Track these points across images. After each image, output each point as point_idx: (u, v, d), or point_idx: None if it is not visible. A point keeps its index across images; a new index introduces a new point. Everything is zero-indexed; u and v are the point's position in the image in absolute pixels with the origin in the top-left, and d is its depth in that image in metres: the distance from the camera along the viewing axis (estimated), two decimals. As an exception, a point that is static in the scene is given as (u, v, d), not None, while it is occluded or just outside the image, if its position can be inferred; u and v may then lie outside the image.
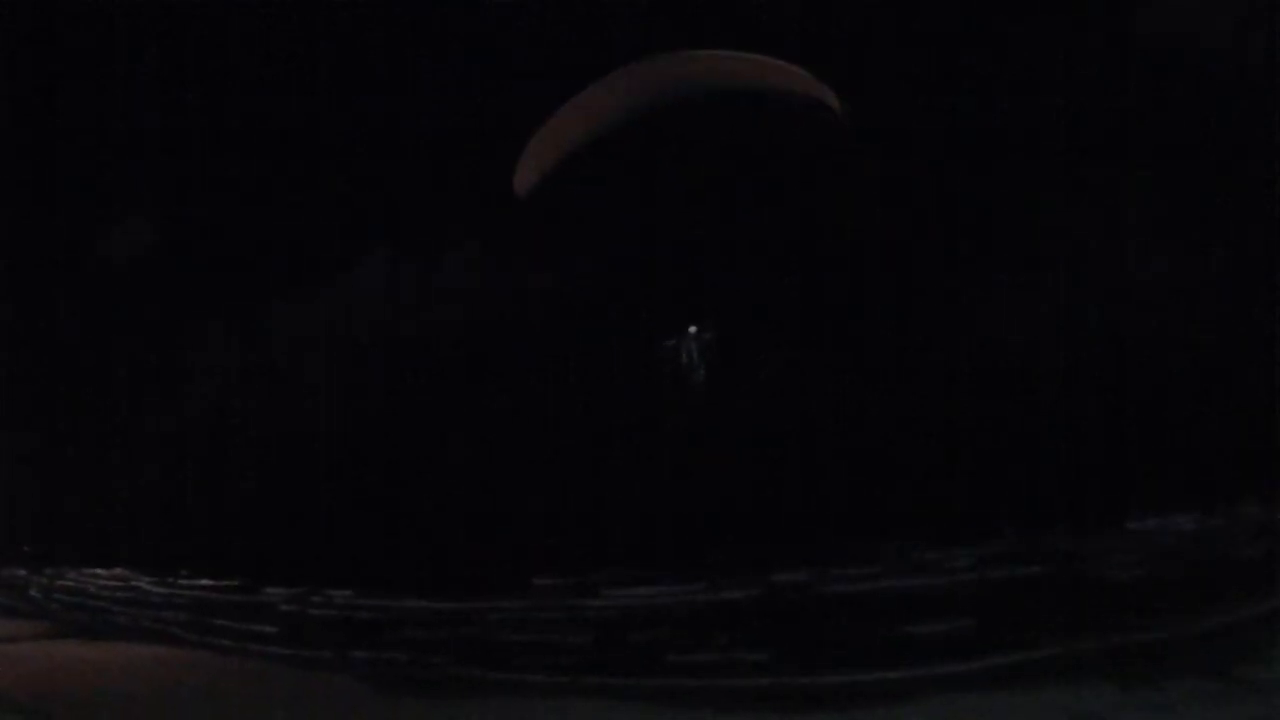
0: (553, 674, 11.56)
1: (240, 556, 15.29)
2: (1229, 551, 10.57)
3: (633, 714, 10.09)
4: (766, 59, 7.94)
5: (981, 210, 12.29)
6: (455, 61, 14.04)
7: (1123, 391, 11.78)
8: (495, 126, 12.47)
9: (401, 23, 14.35)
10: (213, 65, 15.80)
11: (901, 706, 9.28)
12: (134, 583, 16.42)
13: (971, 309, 12.37)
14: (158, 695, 11.98)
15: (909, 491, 11.93)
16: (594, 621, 12.26)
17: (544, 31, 13.46)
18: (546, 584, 12.85)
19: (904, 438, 12.27)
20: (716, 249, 10.58)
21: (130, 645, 14.70)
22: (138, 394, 17.02)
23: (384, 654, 12.97)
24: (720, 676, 10.54)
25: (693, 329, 9.40)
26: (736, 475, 12.47)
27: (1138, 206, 12.18)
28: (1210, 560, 10.60)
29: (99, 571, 16.96)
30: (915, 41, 12.17)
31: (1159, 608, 10.05)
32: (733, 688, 10.26)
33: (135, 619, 15.74)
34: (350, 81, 14.78)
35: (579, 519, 13.05)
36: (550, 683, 11.31)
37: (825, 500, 11.95)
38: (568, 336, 13.25)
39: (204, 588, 15.51)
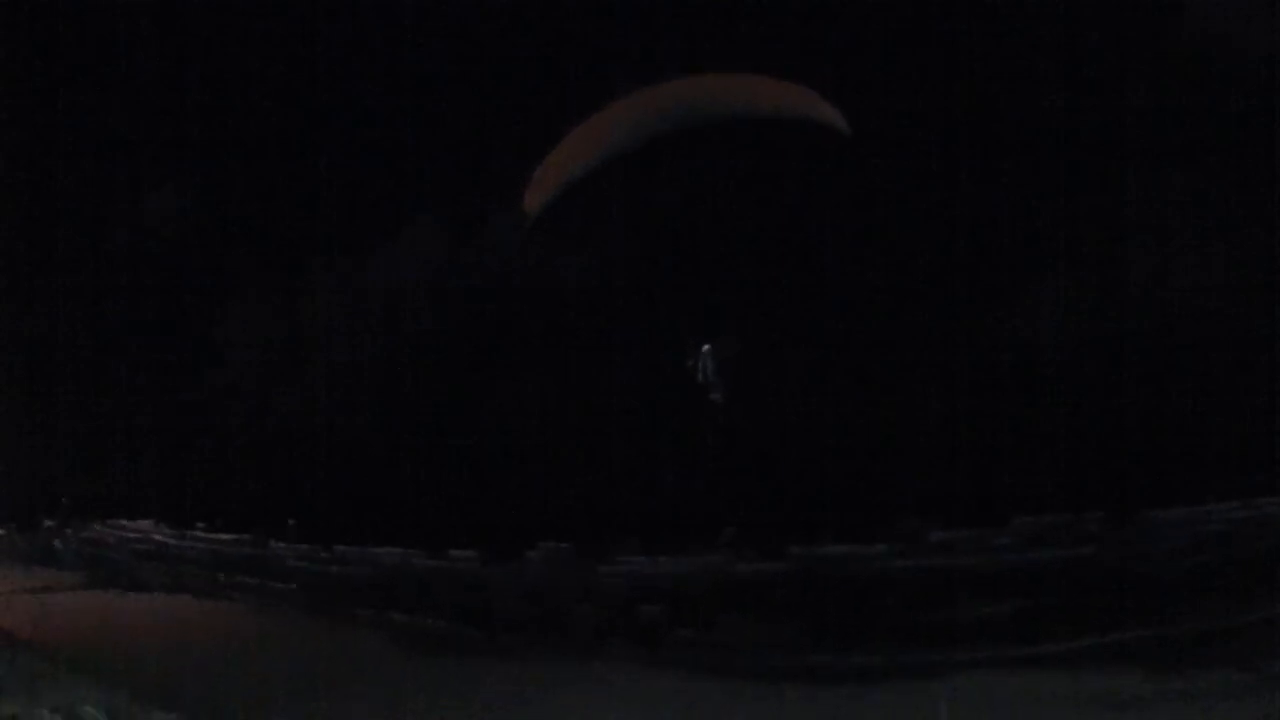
0: (571, 638, 11.62)
1: (263, 513, 15.45)
2: (1263, 545, 10.54)
3: (650, 681, 10.09)
4: (771, 80, 7.93)
5: (1006, 209, 12.33)
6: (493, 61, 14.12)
7: (1164, 382, 11.74)
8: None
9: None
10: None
11: (929, 686, 9.25)
12: (158, 536, 16.62)
13: (1015, 305, 12.44)
14: (183, 645, 12.13)
15: (940, 475, 11.95)
16: (614, 589, 12.34)
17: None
18: (568, 550, 12.98)
19: (936, 425, 12.30)
20: (727, 264, 10.76)
21: (155, 597, 14.92)
22: (168, 354, 17.19)
23: (400, 613, 13.12)
24: (744, 651, 10.54)
25: (706, 347, 9.25)
26: (764, 458, 12.56)
27: (1169, 206, 12.12)
28: (1244, 554, 10.58)
29: (125, 523, 17.16)
30: (915, 51, 12.22)
31: (1193, 599, 10.02)
32: (756, 663, 10.25)
33: (160, 571, 15.95)
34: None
35: (603, 488, 13.13)
36: (569, 646, 11.35)
37: (861, 483, 11.99)
38: (593, 330, 13.40)
39: (226, 542, 15.70)
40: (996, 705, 8.67)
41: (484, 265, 14.64)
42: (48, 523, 18.26)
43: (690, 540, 12.37)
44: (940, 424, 12.07)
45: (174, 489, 16.81)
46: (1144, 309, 12.04)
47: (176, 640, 12.29)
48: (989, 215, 12.30)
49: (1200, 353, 11.55)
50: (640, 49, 13.06)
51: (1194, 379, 11.55)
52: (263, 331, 16.57)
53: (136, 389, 17.34)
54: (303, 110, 15.75)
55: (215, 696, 9.11)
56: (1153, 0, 12.06)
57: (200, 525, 16.25)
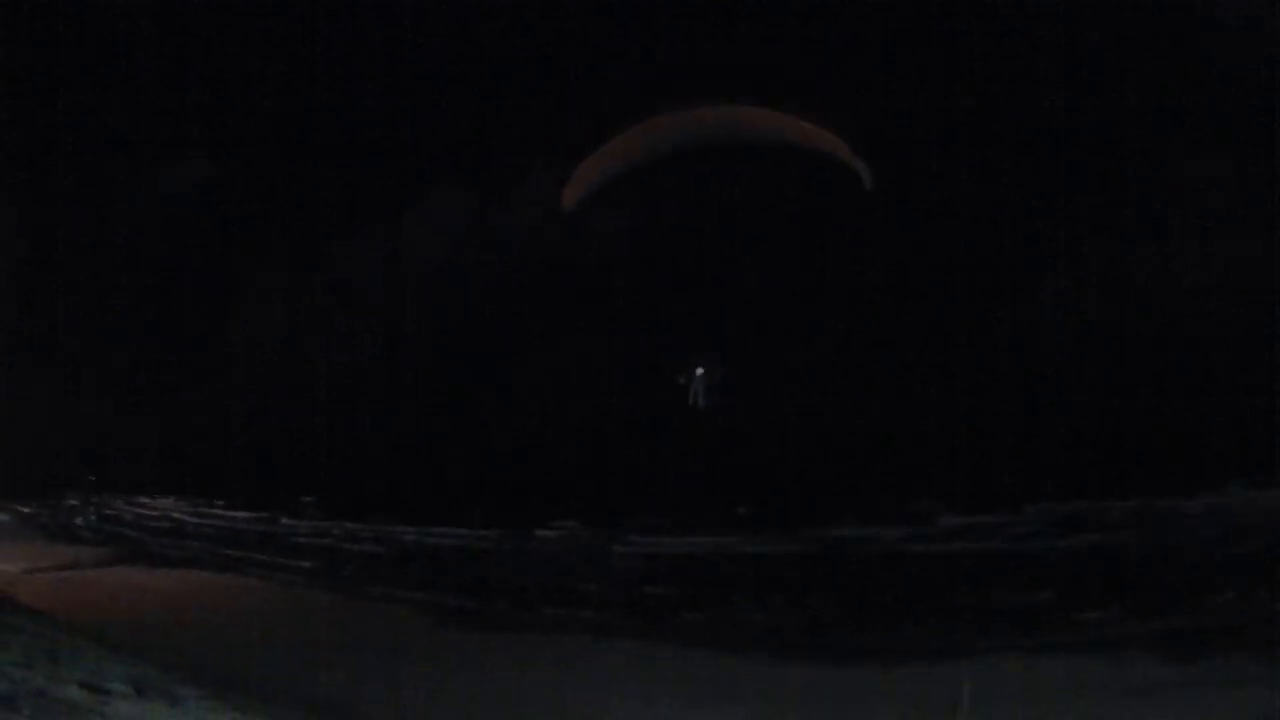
0: (593, 613, 11.68)
1: (281, 490, 15.59)
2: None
3: (662, 657, 10.15)
4: (790, 116, 8.51)
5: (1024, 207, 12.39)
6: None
7: (1178, 373, 11.72)
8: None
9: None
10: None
11: (947, 667, 9.27)
12: (179, 513, 16.77)
13: (1029, 298, 12.49)
14: (205, 620, 12.26)
15: (953, 462, 11.99)
16: (626, 567, 12.41)
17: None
18: (581, 528, 13.06)
19: (947, 415, 12.35)
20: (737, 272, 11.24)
21: (177, 572, 15.06)
22: (189, 334, 17.32)
23: (415, 589, 13.22)
24: (757, 629, 10.58)
25: (700, 370, 9.65)
26: (776, 446, 12.67)
27: (1193, 194, 12.09)
28: (1264, 543, 10.56)
29: (147, 501, 17.32)
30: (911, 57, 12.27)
31: (1211, 588, 10.01)
32: (769, 641, 10.29)
33: (182, 548, 16.11)
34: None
35: (614, 471, 13.24)
36: (591, 621, 11.40)
37: (874, 468, 12.06)
38: (613, 321, 13.59)
39: (245, 519, 15.85)
40: (1014, 688, 8.69)
41: (501, 257, 14.74)
42: (71, 500, 18.43)
43: (702, 521, 12.47)
44: (951, 415, 12.13)
45: (194, 467, 16.96)
46: (1155, 298, 12.05)
47: (198, 615, 12.44)
48: (996, 211, 12.38)
49: (1212, 345, 11.54)
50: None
51: (1211, 369, 11.54)
52: (280, 313, 16.68)
53: (157, 368, 17.47)
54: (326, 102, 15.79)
55: (238, 670, 9.21)
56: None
57: (220, 502, 16.39)
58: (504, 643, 11.00)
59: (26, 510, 18.63)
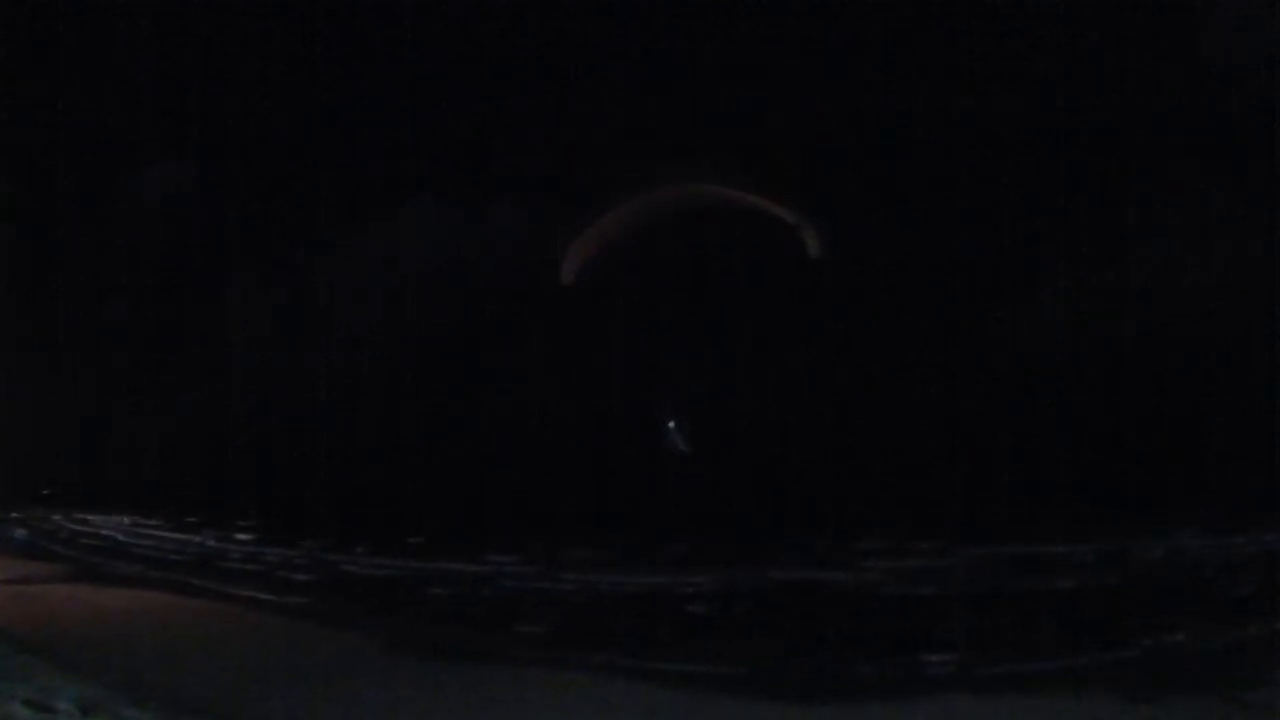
0: (543, 648, 11.62)
1: (248, 511, 15.49)
2: (1238, 571, 10.65)
3: (627, 691, 10.11)
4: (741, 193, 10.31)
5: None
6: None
7: (1142, 410, 11.92)
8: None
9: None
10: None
11: (899, 705, 9.29)
12: (137, 530, 16.60)
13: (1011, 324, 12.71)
14: (158, 640, 12.10)
15: (913, 496, 12.14)
16: (573, 599, 12.43)
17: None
18: (529, 559, 13.07)
19: (911, 445, 12.54)
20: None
21: (132, 591, 14.82)
22: (150, 348, 17.18)
23: (381, 614, 13.13)
24: (712, 663, 10.56)
25: (671, 424, 11.17)
26: (738, 478, 12.85)
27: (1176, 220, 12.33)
28: (1218, 579, 10.69)
29: (103, 517, 17.13)
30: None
31: (1167, 622, 10.10)
32: (721, 674, 10.27)
33: (138, 566, 15.91)
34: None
35: (566, 503, 13.34)
36: (541, 656, 11.35)
37: (833, 500, 12.22)
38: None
39: (205, 539, 15.71)
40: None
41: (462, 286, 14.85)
42: (23, 514, 18.17)
43: (646, 555, 12.58)
44: (899, 455, 12.36)
45: (154, 484, 16.80)
46: (1107, 338, 12.29)
47: (152, 635, 12.24)
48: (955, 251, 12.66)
49: (1170, 391, 11.77)
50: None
51: (1165, 412, 11.77)
52: (248, 327, 16.58)
53: (117, 382, 17.31)
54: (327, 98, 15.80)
55: (190, 693, 9.10)
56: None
57: (180, 521, 16.24)
58: (458, 670, 10.91)
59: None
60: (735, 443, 13.50)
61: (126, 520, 17.02)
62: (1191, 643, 9.97)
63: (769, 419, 13.30)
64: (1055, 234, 12.70)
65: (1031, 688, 9.33)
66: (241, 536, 15.62)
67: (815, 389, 13.05)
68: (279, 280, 16.24)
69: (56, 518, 17.89)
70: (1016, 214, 12.58)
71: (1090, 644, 9.95)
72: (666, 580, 12.40)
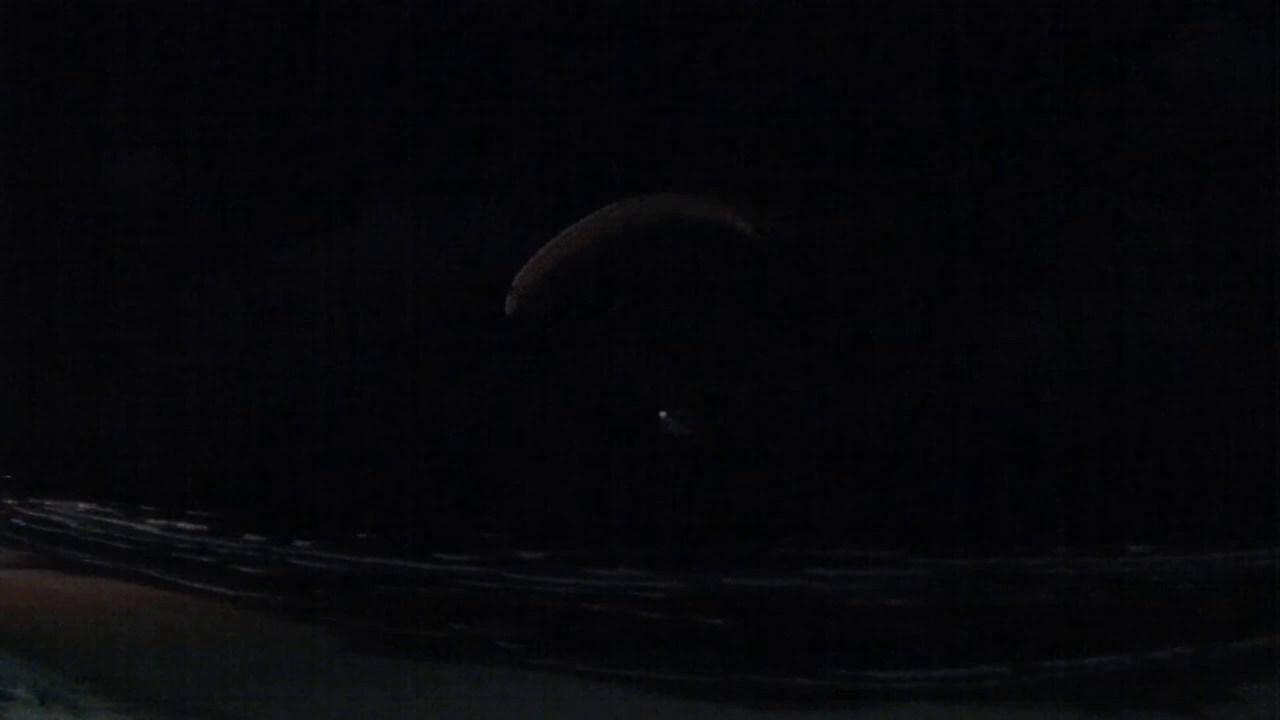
0: (517, 647, 11.64)
1: (216, 501, 15.38)
2: (1205, 587, 10.80)
3: (596, 694, 10.16)
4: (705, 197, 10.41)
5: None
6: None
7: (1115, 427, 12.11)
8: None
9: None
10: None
11: (860, 713, 9.39)
12: (103, 519, 16.42)
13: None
14: (121, 631, 12.07)
15: (884, 504, 12.26)
16: (561, 601, 12.46)
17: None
18: (528, 556, 13.09)
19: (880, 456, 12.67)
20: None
21: (96, 581, 14.71)
22: (130, 334, 17.03)
23: (352, 609, 13.13)
24: (669, 669, 10.62)
25: (663, 413, 11.36)
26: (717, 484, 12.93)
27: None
28: (1186, 595, 10.84)
29: (78, 505, 16.93)
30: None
31: (1131, 638, 10.20)
32: (679, 681, 10.33)
33: (103, 555, 15.76)
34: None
35: (557, 502, 13.36)
36: (512, 656, 11.37)
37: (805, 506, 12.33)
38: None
39: (179, 529, 15.60)
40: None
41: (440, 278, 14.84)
42: (5, 500, 17.93)
43: (609, 557, 12.65)
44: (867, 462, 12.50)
45: (123, 471, 16.64)
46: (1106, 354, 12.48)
47: (115, 626, 12.19)
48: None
49: (1143, 393, 11.94)
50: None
51: (1143, 421, 11.93)
52: (228, 313, 16.46)
53: (89, 366, 17.15)
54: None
55: (151, 684, 9.08)
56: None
57: (135, 510, 16.10)
58: (419, 668, 10.91)
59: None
60: (698, 450, 13.58)
61: (83, 507, 16.82)
62: (1190, 653, 10.03)
63: (732, 426, 13.39)
64: (1039, 237, 12.84)
65: (990, 696, 9.45)
66: (188, 526, 15.51)
67: (778, 396, 13.15)
68: (241, 275, 16.14)
69: (11, 503, 17.63)
70: (1002, 221, 12.70)
71: (1053, 656, 10.04)
72: (620, 584, 12.46)
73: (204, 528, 15.35)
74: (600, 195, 12.87)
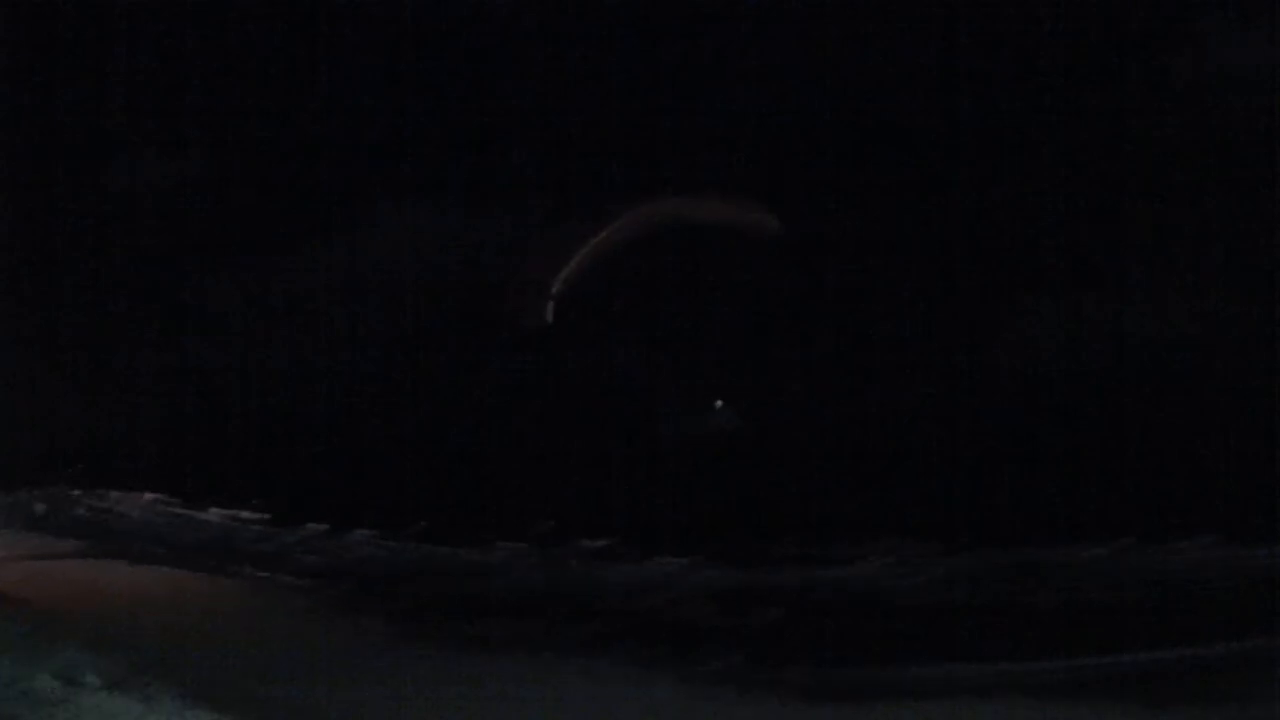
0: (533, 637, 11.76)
1: (269, 493, 15.71)
2: (1241, 582, 10.74)
3: (611, 683, 10.24)
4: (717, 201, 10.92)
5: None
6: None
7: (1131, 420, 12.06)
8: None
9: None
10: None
11: (890, 707, 9.41)
12: (163, 509, 16.82)
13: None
14: (182, 620, 12.30)
15: (909, 498, 12.31)
16: (579, 590, 12.60)
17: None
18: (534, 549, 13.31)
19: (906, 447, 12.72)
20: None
21: (157, 570, 14.99)
22: (178, 325, 17.41)
23: (395, 599, 13.32)
24: (711, 662, 10.70)
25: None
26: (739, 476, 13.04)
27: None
28: (1208, 591, 10.80)
29: (130, 495, 17.35)
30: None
31: (1156, 633, 10.18)
32: (720, 673, 10.40)
33: (164, 545, 16.12)
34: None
35: (589, 492, 13.52)
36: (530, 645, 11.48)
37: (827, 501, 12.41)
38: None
39: (230, 520, 15.93)
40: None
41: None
42: (49, 490, 18.40)
43: (654, 548, 12.75)
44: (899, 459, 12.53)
45: (182, 463, 17.02)
46: (1114, 339, 12.41)
47: (176, 615, 12.45)
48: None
49: (1169, 390, 11.88)
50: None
51: (1170, 418, 11.87)
52: (273, 309, 16.77)
53: (144, 360, 17.55)
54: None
55: (212, 672, 9.30)
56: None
57: (206, 501, 16.47)
58: (484, 660, 11.03)
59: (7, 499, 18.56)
60: (734, 445, 13.66)
61: (148, 498, 17.24)
62: (1194, 653, 10.01)
63: (765, 422, 13.46)
64: (1055, 238, 12.81)
65: (1029, 693, 9.44)
66: (249, 516, 15.84)
67: (811, 391, 13.20)
68: (311, 269, 16.44)
69: (77, 494, 18.10)
70: (1015, 218, 12.70)
71: (1089, 652, 10.04)
72: (661, 578, 12.55)
73: (265, 517, 15.72)
74: (600, 195, 13.17)
